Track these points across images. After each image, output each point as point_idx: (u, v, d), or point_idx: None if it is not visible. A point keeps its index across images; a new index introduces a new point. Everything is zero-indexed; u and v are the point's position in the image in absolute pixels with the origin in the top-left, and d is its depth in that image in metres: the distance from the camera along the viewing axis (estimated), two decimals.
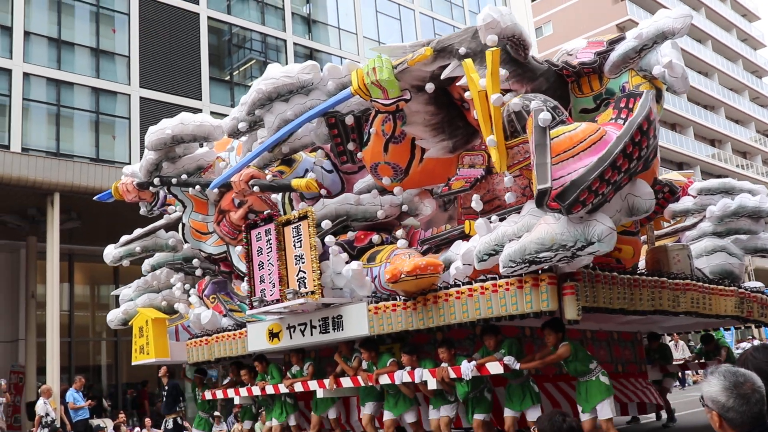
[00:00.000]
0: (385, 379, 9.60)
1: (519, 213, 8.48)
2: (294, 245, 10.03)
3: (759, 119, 60.41)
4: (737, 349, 26.27)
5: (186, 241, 12.59)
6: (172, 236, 13.33)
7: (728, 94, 56.65)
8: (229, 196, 11.64)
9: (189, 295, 12.88)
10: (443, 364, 9.03)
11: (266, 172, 11.33)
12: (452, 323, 8.78)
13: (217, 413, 16.59)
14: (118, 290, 14.47)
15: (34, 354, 22.37)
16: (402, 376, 9.36)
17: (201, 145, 12.35)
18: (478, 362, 8.69)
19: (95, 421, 19.86)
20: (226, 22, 29.11)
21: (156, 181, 12.15)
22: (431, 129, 9.78)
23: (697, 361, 14.03)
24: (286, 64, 16.95)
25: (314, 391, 10.72)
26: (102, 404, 22.35)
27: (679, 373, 21.90)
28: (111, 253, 13.64)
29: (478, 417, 9.06)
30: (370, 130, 9.92)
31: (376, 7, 34.59)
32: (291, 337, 10.55)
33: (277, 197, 11.56)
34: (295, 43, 30.49)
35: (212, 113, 23.58)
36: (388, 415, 9.96)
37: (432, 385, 9.10)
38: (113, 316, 13.77)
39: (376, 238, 10.38)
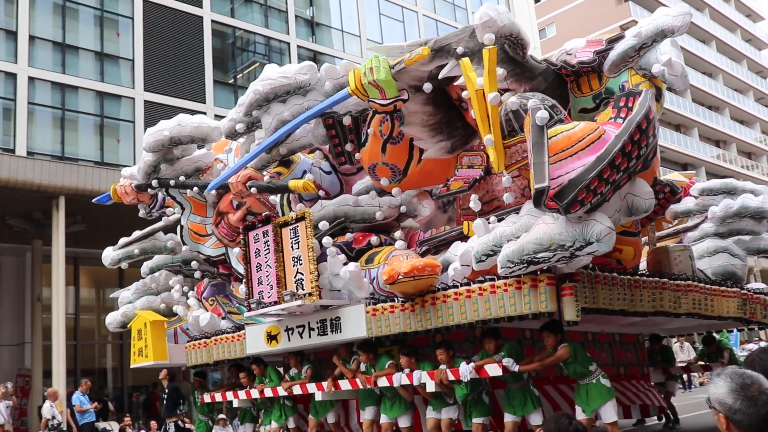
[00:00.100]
0: (383, 382, 9.51)
1: (518, 213, 8.40)
2: (291, 247, 9.96)
3: (764, 120, 60.28)
4: (743, 350, 26.16)
5: (184, 243, 12.54)
6: (171, 238, 13.28)
7: (733, 95, 56.52)
8: (228, 198, 11.58)
9: (188, 298, 12.80)
10: (442, 366, 8.93)
11: (264, 173, 11.27)
12: (451, 325, 8.68)
13: (222, 416, 16.53)
14: (117, 293, 14.41)
15: (40, 357, 22.61)
16: (400, 379, 9.27)
17: (199, 147, 12.28)
18: (476, 364, 8.59)
19: (101, 424, 19.89)
20: (229, 25, 29.19)
21: (154, 183, 12.10)
22: (429, 129, 9.70)
23: (699, 363, 13.92)
24: None
25: (313, 395, 10.64)
26: (108, 407, 22.35)
27: (684, 376, 21.82)
28: (109, 255, 13.58)
29: (477, 420, 8.95)
30: (368, 131, 9.84)
31: (379, 9, 34.61)
32: (289, 340, 10.47)
33: (275, 199, 11.48)
34: (298, 46, 30.52)
35: (216, 116, 23.67)
36: (384, 418, 9.87)
37: (430, 387, 9.00)
38: (112, 319, 13.71)
39: (374, 239, 10.29)
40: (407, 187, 10.31)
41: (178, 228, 12.62)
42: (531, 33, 39.24)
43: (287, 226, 10.05)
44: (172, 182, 11.89)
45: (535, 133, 7.47)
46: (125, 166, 22.60)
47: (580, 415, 8.47)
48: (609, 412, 8.49)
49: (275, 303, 9.99)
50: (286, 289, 9.86)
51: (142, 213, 13.35)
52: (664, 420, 12.72)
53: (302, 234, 9.79)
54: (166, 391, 14.57)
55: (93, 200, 14.22)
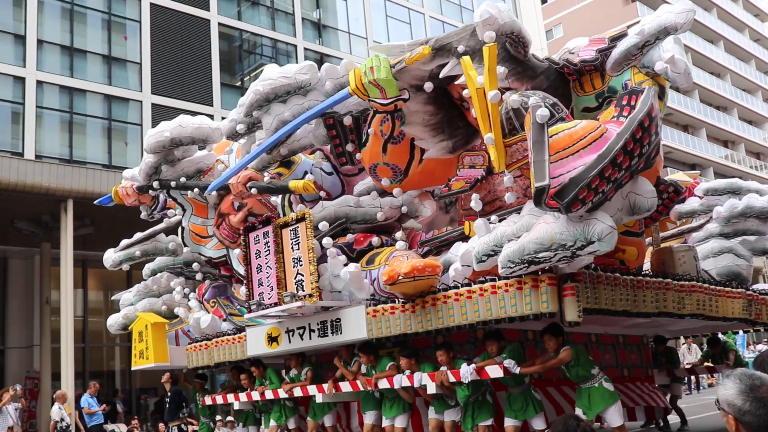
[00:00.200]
0: (384, 384, 9.42)
1: (520, 213, 8.30)
2: (292, 248, 9.89)
3: None
4: (753, 351, 26.01)
5: (185, 245, 12.48)
6: (172, 240, 13.24)
7: (741, 95, 56.29)
8: (229, 200, 11.53)
9: (189, 300, 12.74)
10: (442, 368, 8.84)
11: (266, 174, 11.21)
12: (451, 326, 8.58)
13: (230, 418, 16.47)
14: (118, 295, 14.36)
15: (49, 360, 22.74)
16: (401, 380, 9.18)
17: (200, 148, 12.23)
18: (477, 366, 8.49)
19: (109, 426, 19.89)
20: (236, 28, 29.27)
21: (155, 184, 12.05)
22: (430, 129, 9.63)
23: (704, 365, 13.80)
24: None
25: (312, 397, 10.56)
26: (116, 409, 22.39)
27: (693, 377, 21.69)
28: (110, 257, 13.54)
29: (483, 423, 8.84)
30: (369, 131, 9.78)
31: (385, 11, 34.61)
32: (290, 341, 10.40)
33: (276, 200, 11.42)
34: (305, 48, 30.52)
35: (224, 119, 23.53)
36: (386, 422, 9.78)
37: (431, 389, 8.91)
38: (113, 321, 13.66)
39: (375, 240, 10.22)
40: (408, 187, 10.23)
41: (179, 229, 12.57)
42: (538, 34, 39.21)
43: (287, 227, 9.98)
44: (173, 183, 11.84)
45: (536, 131, 7.38)
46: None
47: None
48: (614, 416, 8.38)
49: (275, 304, 9.92)
50: (286, 290, 9.78)
51: (143, 215, 13.31)
52: (662, 424, 12.60)
53: (302, 235, 9.72)
54: (169, 394, 14.51)
55: (95, 202, 14.19)
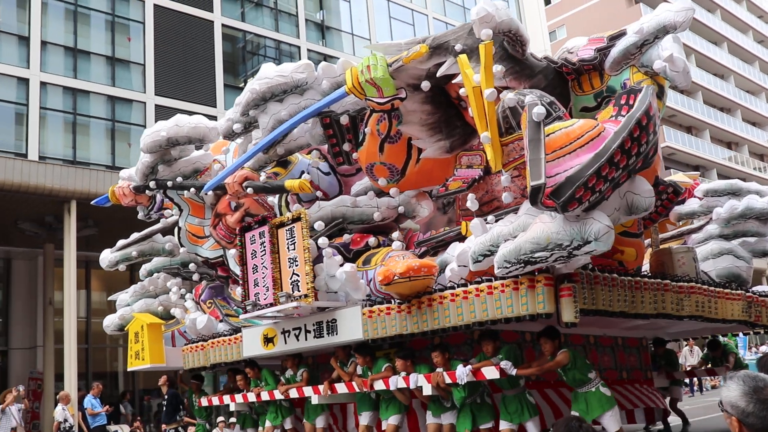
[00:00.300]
0: (380, 385, 9.34)
1: (517, 213, 8.23)
2: (288, 248, 9.82)
3: None
4: (756, 353, 25.92)
5: (182, 245, 12.40)
6: (169, 240, 13.15)
7: (745, 97, 56.17)
8: (226, 200, 11.45)
9: (185, 300, 12.66)
10: (438, 369, 8.76)
11: (263, 173, 11.13)
12: (447, 327, 8.50)
13: (233, 419, 16.37)
14: (115, 295, 14.29)
15: (52, 361, 22.76)
16: (397, 382, 9.10)
17: (197, 148, 12.16)
18: (473, 367, 8.40)
19: (112, 427, 19.83)
20: (240, 29, 29.30)
21: (152, 184, 11.96)
22: (428, 129, 9.55)
23: (703, 368, 13.71)
24: None
25: (308, 398, 10.47)
26: (119, 410, 22.37)
27: (695, 380, 21.59)
28: (107, 257, 13.47)
29: (485, 426, 8.74)
30: (365, 130, 9.72)
31: (389, 12, 34.59)
32: (286, 342, 10.33)
33: (273, 200, 11.35)
34: (308, 50, 30.51)
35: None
36: (385, 425, 9.70)
37: (427, 390, 8.82)
38: (109, 322, 13.59)
39: (372, 240, 10.14)
40: (405, 187, 10.16)
41: (176, 230, 12.48)
42: (541, 35, 39.11)
43: (283, 227, 9.91)
44: (169, 183, 11.76)
45: (532, 129, 7.30)
46: None
47: None
48: (611, 422, 8.29)
49: (271, 305, 9.84)
50: (282, 290, 9.71)
51: (140, 215, 13.24)
52: (663, 427, 12.52)
53: (298, 235, 9.65)
54: (166, 397, 14.45)
55: (92, 202, 14.13)
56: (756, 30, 60.44)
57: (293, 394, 10.58)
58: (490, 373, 8.29)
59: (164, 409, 14.50)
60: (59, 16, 24.56)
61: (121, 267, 13.52)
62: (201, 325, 11.80)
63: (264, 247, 10.08)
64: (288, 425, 11.24)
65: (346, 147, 10.43)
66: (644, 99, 7.68)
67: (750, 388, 2.80)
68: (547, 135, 7.39)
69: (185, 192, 11.85)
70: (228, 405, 12.02)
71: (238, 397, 11.56)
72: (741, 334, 17.58)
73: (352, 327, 9.41)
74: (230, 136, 11.18)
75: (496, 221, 8.49)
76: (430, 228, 10.73)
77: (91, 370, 25.04)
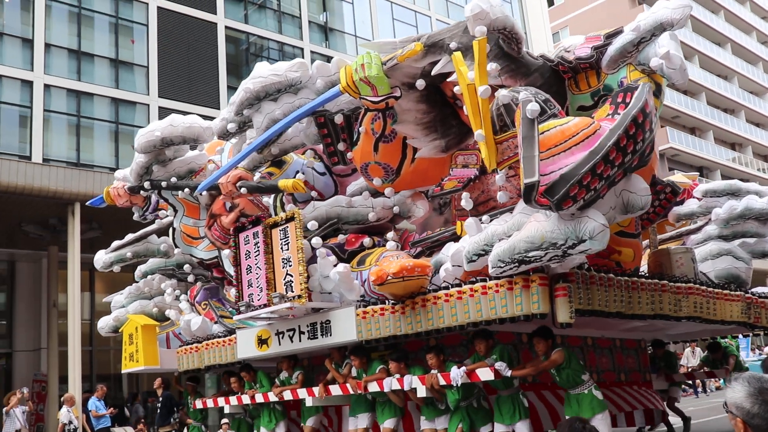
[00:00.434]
0: (374, 387, 9.23)
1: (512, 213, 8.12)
2: (281, 248, 9.72)
3: None
4: (760, 354, 25.80)
5: (177, 246, 12.31)
6: (164, 241, 13.06)
7: (748, 98, 56.01)
8: (221, 200, 11.36)
9: (180, 302, 12.56)
10: (433, 371, 8.64)
11: (258, 173, 11.05)
12: (441, 327, 8.39)
13: (224, 420, 16.27)
14: (110, 297, 14.20)
15: (56, 363, 22.94)
16: (391, 384, 8.99)
17: (192, 148, 12.07)
18: (468, 368, 8.29)
19: (117, 430, 19.83)
20: (243, 31, 29.36)
21: (146, 184, 11.88)
22: (423, 128, 9.47)
23: (703, 370, 13.60)
24: None
25: (303, 401, 10.36)
26: (124, 413, 22.32)
27: (698, 381, 21.50)
28: (101, 258, 13.38)
29: (485, 429, 8.63)
30: (360, 129, 9.63)
31: (392, 14, 34.61)
32: (280, 344, 10.23)
33: (269, 200, 11.26)
34: (312, 51, 30.49)
35: None
36: (381, 428, 9.59)
37: (422, 392, 8.70)
38: (104, 323, 13.50)
39: (367, 241, 10.04)
40: (401, 187, 10.07)
41: (170, 230, 12.40)
42: (545, 37, 39.01)
43: (277, 227, 9.82)
44: (163, 184, 11.68)
45: (526, 126, 7.20)
46: None
47: None
48: (602, 425, 8.14)
49: (265, 306, 9.74)
50: (275, 291, 9.61)
51: (135, 216, 13.15)
52: (666, 428, 12.42)
53: (292, 235, 9.55)
54: (161, 399, 14.36)
55: (87, 203, 14.05)
56: (759, 31, 60.23)
57: (287, 396, 10.47)
58: (485, 374, 8.18)
59: (158, 411, 14.41)
60: (63, 19, 24.65)
61: (116, 268, 13.43)
62: (195, 327, 11.72)
63: (258, 247, 9.99)
64: (281, 429, 11.10)
65: (341, 146, 10.36)
66: (640, 96, 7.57)
67: (755, 389, 2.80)
68: (542, 133, 7.28)
69: (180, 192, 11.76)
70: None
71: (233, 400, 11.44)
72: (740, 336, 17.47)
73: (346, 328, 9.31)
74: (225, 135, 11.09)
75: (491, 221, 8.38)
76: (426, 229, 10.63)
77: (95, 373, 25.10)
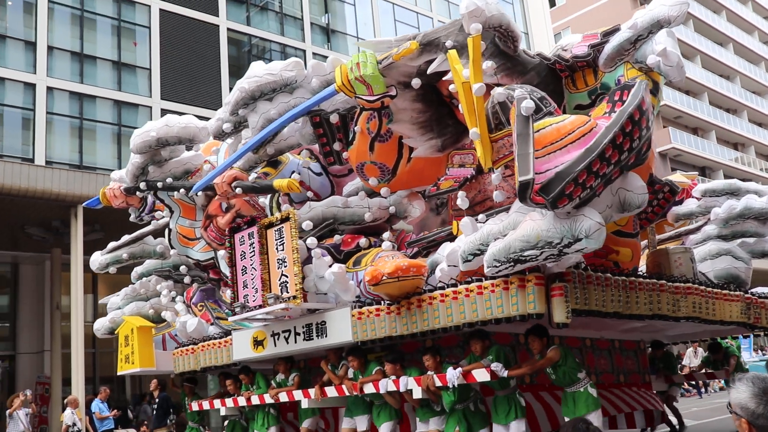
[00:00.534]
0: (369, 389, 9.14)
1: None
2: (276, 248, 9.65)
3: None
4: (762, 354, 25.68)
5: (172, 247, 12.23)
6: (160, 243, 13.00)
7: (751, 97, 55.84)
8: (217, 201, 11.28)
9: (176, 303, 12.48)
10: (429, 372, 8.56)
11: (254, 173, 10.98)
12: (437, 328, 8.31)
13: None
14: (106, 298, 14.14)
15: (59, 365, 22.97)
16: (386, 385, 8.90)
17: (188, 149, 12.01)
18: (463, 369, 8.21)
19: None
20: (245, 33, 29.40)
21: (142, 185, 11.82)
22: (419, 127, 9.40)
23: (704, 371, 13.51)
24: None
25: (299, 403, 10.27)
26: (128, 415, 22.31)
27: (700, 382, 21.39)
28: (97, 259, 13.33)
29: None
30: (355, 129, 9.56)
31: (394, 15, 34.63)
32: (275, 345, 10.14)
33: (265, 201, 11.18)
34: (314, 53, 30.50)
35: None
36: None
37: (417, 393, 8.62)
38: (100, 325, 13.43)
39: (363, 241, 9.97)
40: (397, 187, 10.00)
41: (166, 232, 12.32)
42: (547, 37, 38.95)
43: (272, 228, 9.74)
44: (159, 184, 11.61)
45: (520, 123, 7.11)
46: None
47: None
48: (594, 422, 8.07)
49: (260, 307, 9.67)
50: (270, 292, 9.53)
51: (132, 217, 13.08)
52: (669, 429, 12.34)
53: (287, 235, 9.47)
54: (157, 401, 14.30)
55: (83, 204, 14.00)
56: (762, 31, 60.03)
57: (283, 397, 10.39)
58: (481, 375, 8.09)
59: (154, 413, 14.36)
60: (65, 21, 24.71)
61: (112, 269, 13.37)
62: (191, 328, 11.64)
63: (253, 248, 9.92)
64: None
65: (337, 146, 10.29)
66: (636, 93, 7.48)
67: (760, 389, 2.79)
68: (538, 130, 7.21)
69: (176, 193, 11.69)
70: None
71: (228, 402, 11.35)
72: (741, 337, 17.37)
73: (341, 329, 9.22)
74: (220, 135, 11.04)
75: (487, 220, 8.31)
76: (423, 229, 10.55)
77: (98, 375, 25.09)
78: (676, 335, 12.41)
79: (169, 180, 11.56)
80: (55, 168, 21.48)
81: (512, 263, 7.27)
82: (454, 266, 8.27)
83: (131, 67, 25.78)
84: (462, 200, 8.75)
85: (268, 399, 10.57)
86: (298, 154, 11.22)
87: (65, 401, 18.21)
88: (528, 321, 7.80)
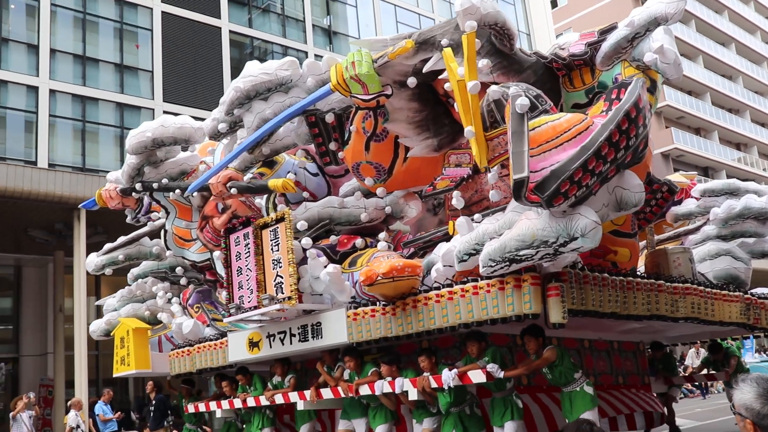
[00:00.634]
0: (365, 390, 9.06)
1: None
2: (272, 249, 9.57)
3: None
4: (764, 355, 25.58)
5: (168, 248, 12.15)
6: (156, 244, 12.91)
7: (753, 97, 55.73)
8: (213, 202, 11.21)
9: (172, 305, 12.40)
10: (425, 374, 8.47)
11: (250, 174, 10.90)
12: (432, 329, 8.22)
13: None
14: (102, 300, 14.07)
15: (63, 367, 22.97)
16: (382, 386, 8.82)
17: (184, 149, 11.94)
18: (459, 370, 8.12)
19: None
20: (247, 35, 29.42)
21: (138, 186, 11.74)
22: (415, 127, 9.32)
23: (703, 372, 13.42)
24: None
25: (296, 406, 10.18)
26: (130, 417, 22.29)
27: (702, 383, 21.33)
28: (93, 261, 13.25)
29: None
30: (351, 128, 9.48)
31: (396, 17, 34.62)
32: (271, 346, 10.06)
33: (261, 202, 11.11)
34: (316, 55, 30.35)
35: None
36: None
37: (413, 395, 8.53)
38: (96, 327, 13.32)
39: (359, 242, 9.88)
40: (393, 187, 9.93)
41: (162, 232, 12.24)
42: (548, 38, 38.87)
43: (267, 228, 9.66)
44: (155, 185, 11.54)
45: (515, 121, 7.04)
46: None
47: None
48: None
49: (255, 308, 9.59)
50: (265, 292, 9.45)
51: (128, 218, 13.00)
52: (670, 429, 12.26)
53: (282, 236, 9.40)
54: (153, 402, 14.23)
55: (79, 205, 13.95)
56: (764, 30, 59.87)
57: (279, 399, 10.30)
58: (477, 376, 8.01)
59: (151, 414, 14.30)
60: (68, 24, 24.73)
61: (108, 271, 13.29)
62: (187, 330, 11.56)
63: (248, 248, 9.84)
64: None
65: (333, 146, 10.22)
66: (633, 91, 7.40)
67: (764, 390, 2.80)
68: (533, 128, 7.13)
69: (171, 194, 11.61)
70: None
71: (224, 404, 11.28)
72: (741, 338, 17.29)
73: (336, 330, 9.14)
74: (216, 135, 10.96)
75: (483, 219, 8.23)
76: (420, 229, 10.47)
77: (102, 377, 24.97)
78: (675, 336, 12.32)
79: (165, 181, 11.48)
80: (58, 170, 21.52)
81: (508, 263, 7.20)
82: (450, 266, 8.20)
83: (133, 69, 25.81)
84: (457, 200, 8.67)
85: (263, 401, 10.48)
86: (294, 154, 11.12)
87: (69, 403, 18.24)
88: (524, 321, 7.71)
